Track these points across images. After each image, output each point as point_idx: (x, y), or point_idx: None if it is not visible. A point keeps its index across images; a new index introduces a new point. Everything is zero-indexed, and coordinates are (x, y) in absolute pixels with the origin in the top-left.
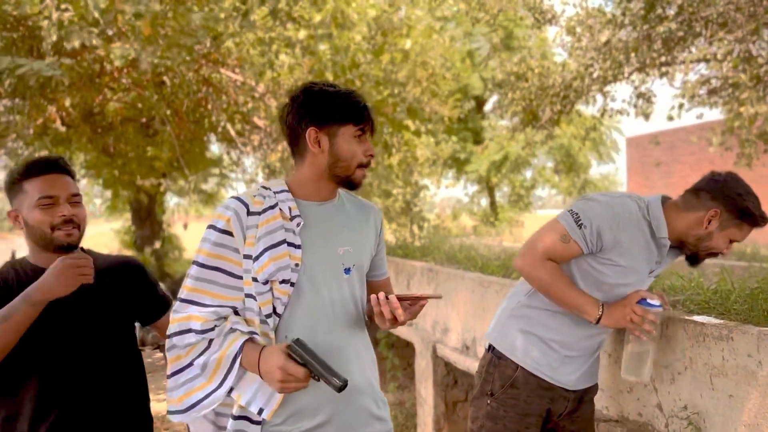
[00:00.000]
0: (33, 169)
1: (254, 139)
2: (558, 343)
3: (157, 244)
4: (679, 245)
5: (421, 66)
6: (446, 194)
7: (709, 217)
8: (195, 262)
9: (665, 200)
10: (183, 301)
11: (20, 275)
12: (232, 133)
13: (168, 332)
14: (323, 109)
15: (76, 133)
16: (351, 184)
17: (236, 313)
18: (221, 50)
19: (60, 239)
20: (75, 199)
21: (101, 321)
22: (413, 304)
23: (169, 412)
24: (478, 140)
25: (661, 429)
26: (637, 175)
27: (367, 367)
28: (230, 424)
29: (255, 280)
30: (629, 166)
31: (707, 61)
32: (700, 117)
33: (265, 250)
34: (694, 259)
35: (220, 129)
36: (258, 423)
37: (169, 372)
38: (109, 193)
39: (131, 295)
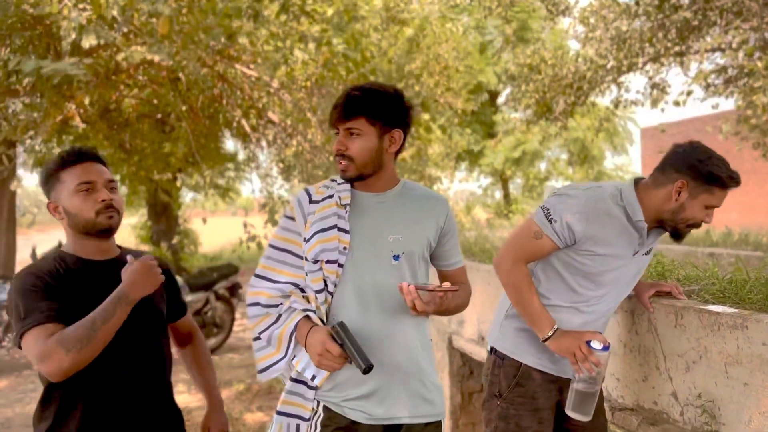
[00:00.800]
0: (68, 158)
1: (268, 133)
2: None
3: (174, 239)
4: (659, 224)
5: (434, 59)
6: (460, 187)
7: (677, 189)
8: (269, 244)
9: (638, 182)
10: (257, 276)
11: (68, 265)
12: (247, 128)
13: (246, 302)
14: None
15: (93, 129)
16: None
17: (301, 290)
18: (236, 46)
19: (103, 223)
20: (111, 185)
21: (142, 311)
22: (434, 295)
23: (258, 371)
24: (490, 133)
25: (676, 417)
26: (652, 166)
27: (417, 352)
28: (288, 384)
29: (307, 259)
30: (644, 156)
31: (722, 50)
32: (716, 107)
33: (316, 233)
34: (676, 235)
35: (234, 124)
36: (313, 388)
37: (252, 336)
38: (125, 189)
39: (161, 294)
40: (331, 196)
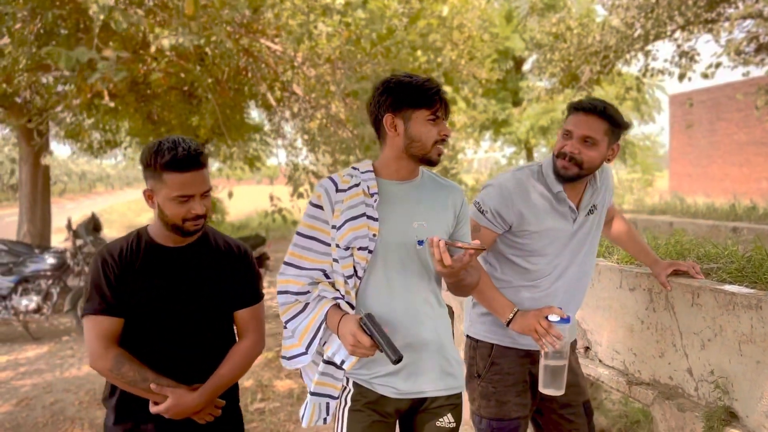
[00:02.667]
0: (176, 164)
1: (293, 106)
2: None
3: None
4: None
5: (457, 29)
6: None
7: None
8: (297, 232)
9: None
10: (286, 264)
11: (141, 249)
12: (272, 100)
13: (277, 290)
14: (398, 96)
15: (123, 102)
16: (429, 161)
17: (326, 275)
18: (261, 20)
19: (189, 229)
20: (207, 194)
21: (204, 298)
22: (461, 253)
23: (282, 357)
24: (516, 101)
25: (690, 392)
26: (680, 134)
27: (441, 330)
28: (321, 366)
29: (338, 246)
30: (672, 124)
31: (753, 17)
32: (747, 74)
33: (347, 221)
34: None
35: (259, 97)
36: (342, 369)
37: (283, 322)
38: None
39: (232, 278)
40: (357, 185)
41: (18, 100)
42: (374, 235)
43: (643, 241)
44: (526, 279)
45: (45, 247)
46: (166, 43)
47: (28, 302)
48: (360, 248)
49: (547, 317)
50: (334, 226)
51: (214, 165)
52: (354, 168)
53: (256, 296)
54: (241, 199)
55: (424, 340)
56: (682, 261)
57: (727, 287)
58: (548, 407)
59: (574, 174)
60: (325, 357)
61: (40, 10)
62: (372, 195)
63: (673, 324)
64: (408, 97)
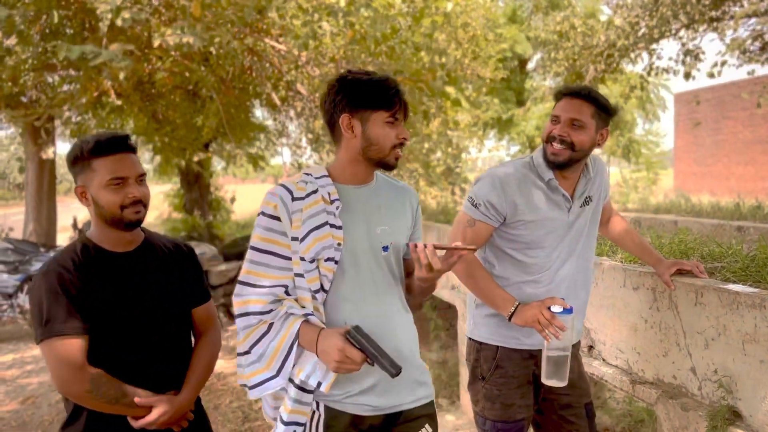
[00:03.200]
0: (102, 147)
1: (297, 105)
2: None
3: (206, 208)
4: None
5: (461, 28)
6: (489, 155)
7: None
8: (250, 247)
9: None
10: (241, 283)
11: (90, 258)
12: (276, 100)
13: (235, 314)
14: (356, 96)
15: (128, 101)
16: (386, 165)
17: (287, 293)
18: (265, 20)
19: (129, 217)
20: (142, 178)
21: (164, 301)
22: (449, 255)
23: (242, 385)
24: (520, 100)
25: (694, 391)
26: (685, 132)
27: (411, 338)
28: (293, 392)
29: (302, 259)
30: (677, 122)
31: (758, 15)
32: (752, 73)
33: (310, 231)
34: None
35: (264, 96)
36: (310, 391)
37: (238, 350)
38: (158, 158)
39: (185, 278)
40: (315, 192)
41: (24, 99)
42: (339, 244)
43: (645, 240)
44: (526, 274)
45: (51, 245)
46: (171, 41)
47: None
48: (327, 259)
49: (549, 308)
50: (295, 238)
51: (219, 164)
52: (307, 174)
53: (207, 293)
54: (246, 198)
55: (399, 351)
56: (686, 260)
57: (731, 286)
58: (549, 408)
59: (566, 158)
60: (297, 381)
61: (46, 9)
62: (332, 201)
63: (677, 323)
64: (366, 98)
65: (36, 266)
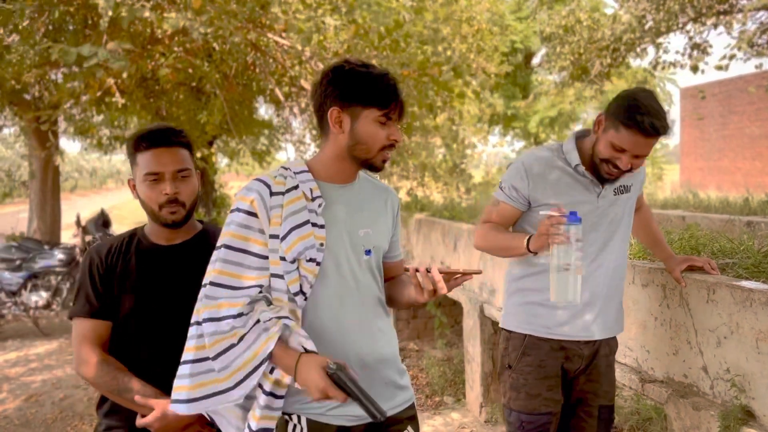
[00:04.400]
0: (143, 141)
1: (301, 101)
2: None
3: (210, 205)
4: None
5: (466, 22)
6: (493, 150)
7: (596, 122)
8: (222, 245)
9: (582, 134)
10: (212, 284)
11: (134, 247)
12: (280, 96)
13: (196, 319)
14: (348, 89)
15: (131, 99)
16: (372, 166)
17: (261, 293)
18: (268, 15)
19: (165, 218)
20: (182, 174)
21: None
22: (450, 278)
23: (173, 401)
24: (526, 95)
25: (706, 390)
26: (692, 127)
27: (392, 342)
28: (262, 399)
29: (283, 259)
30: (683, 117)
31: (767, 9)
32: (759, 67)
33: (292, 229)
34: (599, 176)
35: (268, 92)
36: (281, 397)
37: (183, 359)
38: None
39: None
40: (295, 188)
41: (27, 96)
42: (321, 244)
43: (661, 234)
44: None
45: (54, 243)
46: (170, 24)
47: (37, 298)
48: (309, 260)
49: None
50: (274, 236)
51: (223, 161)
52: (284, 168)
53: None
54: None
55: (381, 356)
56: (697, 256)
57: (744, 283)
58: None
59: (611, 178)
60: (267, 388)
61: (48, 6)
62: (314, 199)
63: (688, 321)
64: (359, 92)
65: (40, 264)
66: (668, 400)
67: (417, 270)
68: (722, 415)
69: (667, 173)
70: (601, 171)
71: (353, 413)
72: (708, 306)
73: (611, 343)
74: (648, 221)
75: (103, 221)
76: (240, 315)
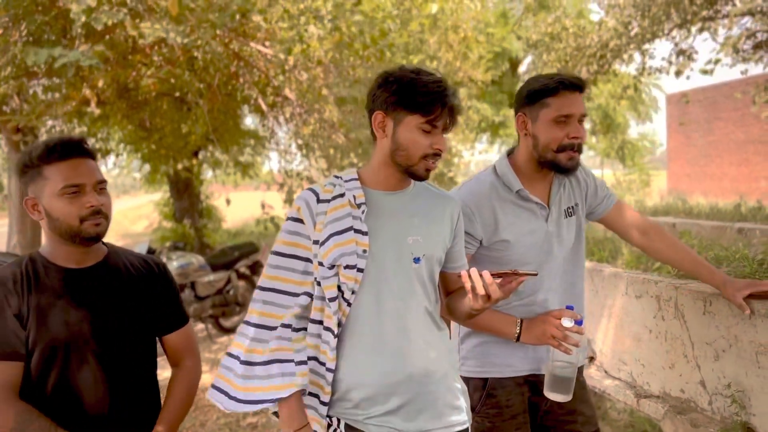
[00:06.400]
0: (54, 151)
1: (286, 111)
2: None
3: (197, 217)
4: (545, 167)
5: (452, 30)
6: (481, 158)
7: (520, 125)
8: (273, 252)
9: (511, 152)
10: (263, 289)
11: (37, 273)
12: (264, 106)
13: (247, 319)
14: (394, 94)
15: (113, 109)
16: (414, 175)
17: (310, 297)
18: (250, 24)
19: (88, 231)
20: (101, 186)
21: (122, 327)
22: (507, 281)
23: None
24: (512, 104)
25: (704, 406)
26: (678, 133)
27: (444, 357)
28: (305, 398)
29: (321, 264)
30: (669, 123)
31: (752, 14)
32: (745, 73)
33: (331, 235)
34: (558, 168)
35: (252, 102)
36: (326, 404)
37: (243, 358)
38: (147, 166)
39: (152, 301)
40: (342, 195)
41: (6, 108)
42: (364, 251)
43: (694, 251)
44: (516, 297)
45: None
46: (148, 33)
47: None
48: (347, 266)
49: (561, 321)
50: (316, 242)
51: (209, 172)
52: (337, 176)
53: (183, 317)
54: (238, 205)
55: (426, 371)
56: (759, 279)
57: None
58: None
59: (578, 162)
60: (309, 389)
61: (23, 15)
62: (359, 206)
63: (684, 333)
64: (404, 97)
65: None
66: (665, 417)
67: (469, 273)
68: None
69: (654, 179)
70: (562, 163)
71: (393, 426)
72: (705, 318)
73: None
74: (676, 245)
75: None
76: (287, 326)
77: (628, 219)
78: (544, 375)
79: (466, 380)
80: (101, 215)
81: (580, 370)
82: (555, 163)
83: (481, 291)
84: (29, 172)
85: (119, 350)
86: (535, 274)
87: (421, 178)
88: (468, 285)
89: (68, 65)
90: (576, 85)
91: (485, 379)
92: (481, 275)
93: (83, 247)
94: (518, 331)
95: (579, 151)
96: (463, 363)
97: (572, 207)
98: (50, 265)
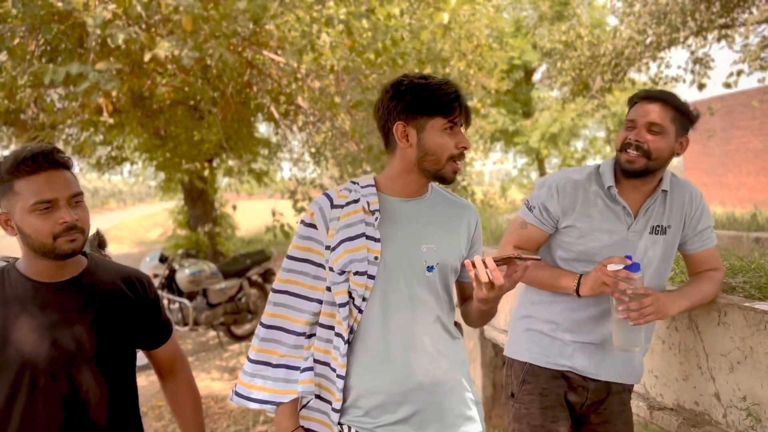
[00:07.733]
0: (23, 165)
1: (298, 119)
2: (564, 331)
3: (210, 224)
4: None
5: (465, 38)
6: (495, 168)
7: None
8: (287, 256)
9: None
10: (276, 291)
11: (11, 287)
12: (276, 114)
13: (262, 321)
14: (410, 102)
15: (128, 118)
16: (442, 178)
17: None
18: (263, 32)
19: (62, 248)
20: (76, 199)
21: (96, 344)
22: (513, 270)
23: (239, 395)
24: (527, 111)
25: (718, 419)
26: (695, 143)
27: (457, 366)
28: (312, 401)
29: (332, 269)
30: None
31: None
32: (762, 81)
33: (342, 241)
34: (625, 172)
35: (265, 110)
36: (337, 411)
37: (256, 358)
38: (161, 174)
39: (131, 318)
40: (356, 201)
41: (23, 117)
42: (376, 257)
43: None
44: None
45: None
46: (161, 52)
47: None
48: (357, 273)
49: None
50: (328, 247)
51: (223, 180)
52: (353, 182)
53: (167, 330)
54: (252, 213)
55: (438, 380)
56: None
57: (758, 305)
58: None
59: (641, 166)
60: (316, 392)
61: (40, 25)
62: (373, 212)
63: (698, 344)
64: (422, 103)
65: None
66: (679, 429)
67: (472, 261)
68: None
69: None
70: (622, 164)
71: None
72: (719, 329)
73: (625, 384)
74: (700, 279)
75: (98, 242)
76: (302, 335)
77: (705, 266)
78: (590, 380)
79: (511, 361)
80: (76, 230)
81: (628, 391)
82: (621, 168)
83: (483, 278)
84: (1, 187)
85: (94, 370)
86: (539, 259)
87: (449, 181)
88: (472, 273)
89: (89, 89)
90: (648, 93)
91: (525, 364)
92: (483, 261)
93: (58, 261)
94: (576, 285)
95: (633, 147)
96: (510, 343)
97: (662, 226)
98: (22, 278)
